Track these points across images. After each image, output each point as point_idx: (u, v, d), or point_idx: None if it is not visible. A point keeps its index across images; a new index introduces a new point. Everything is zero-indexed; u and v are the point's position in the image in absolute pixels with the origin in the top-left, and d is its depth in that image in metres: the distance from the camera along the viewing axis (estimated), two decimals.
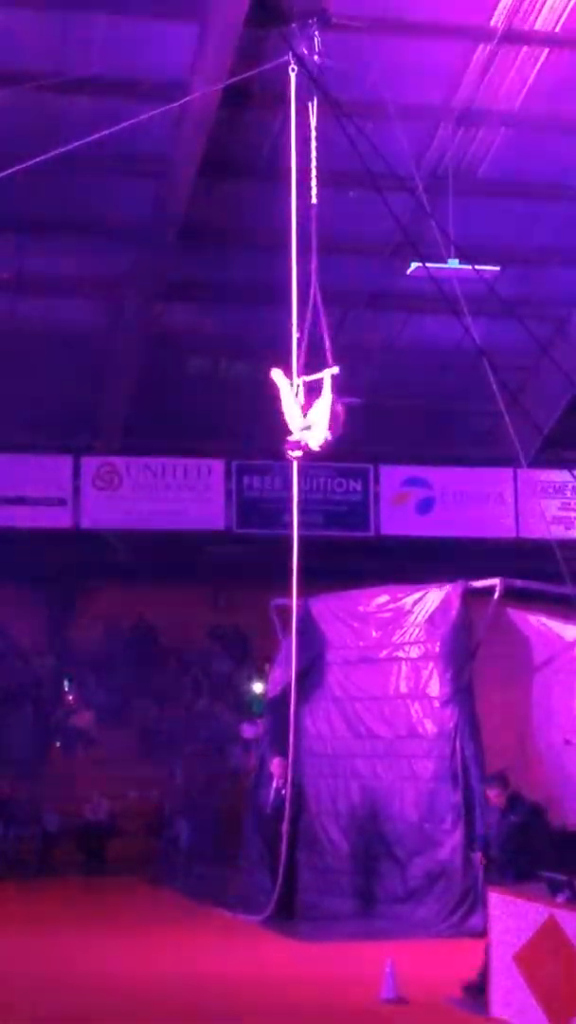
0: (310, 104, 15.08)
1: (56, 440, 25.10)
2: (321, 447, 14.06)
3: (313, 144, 14.90)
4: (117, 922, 17.09)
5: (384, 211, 15.44)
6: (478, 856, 12.70)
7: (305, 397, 14.38)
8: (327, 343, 14.24)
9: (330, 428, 13.97)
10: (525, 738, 17.27)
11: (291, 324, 15.22)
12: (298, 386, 14.44)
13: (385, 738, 17.68)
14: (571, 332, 25.62)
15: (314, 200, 14.96)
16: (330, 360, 14.14)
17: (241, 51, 17.98)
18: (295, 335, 15.05)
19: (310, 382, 14.46)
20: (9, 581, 25.99)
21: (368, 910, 17.09)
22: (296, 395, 14.37)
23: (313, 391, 14.43)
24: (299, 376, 14.44)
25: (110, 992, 12.65)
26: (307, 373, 14.49)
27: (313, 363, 14.70)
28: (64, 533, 25.50)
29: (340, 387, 14.40)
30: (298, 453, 14.22)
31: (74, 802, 23.51)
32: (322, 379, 14.29)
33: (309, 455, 14.29)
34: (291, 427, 14.16)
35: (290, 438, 14.09)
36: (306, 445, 14.04)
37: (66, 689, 27.06)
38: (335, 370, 14.18)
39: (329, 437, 13.98)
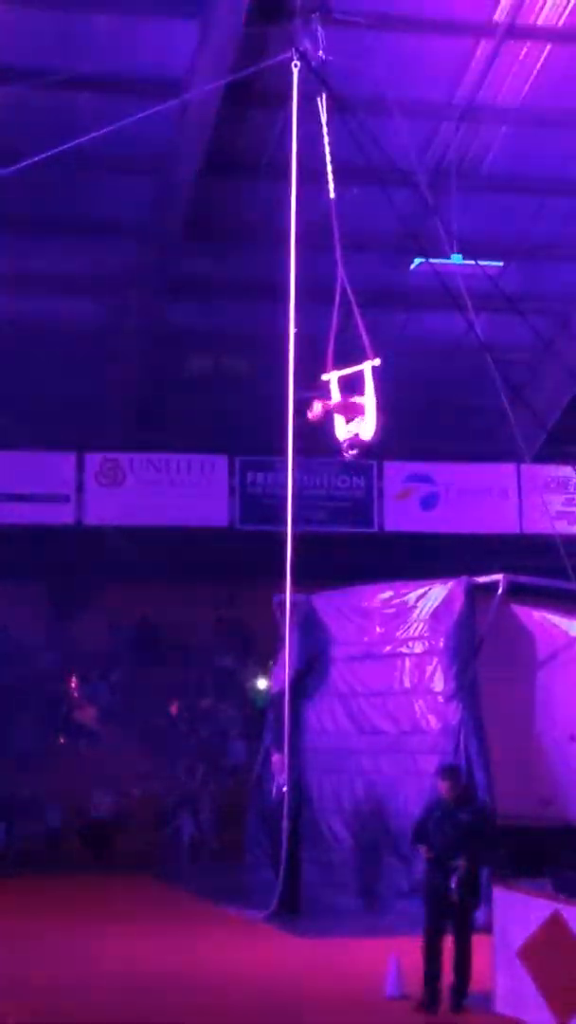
0: (318, 99, 15.06)
1: (60, 437, 25.12)
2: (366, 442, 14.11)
3: (326, 139, 14.88)
4: (121, 918, 17.08)
5: (387, 207, 15.46)
6: (424, 849, 11.72)
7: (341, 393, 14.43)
8: (363, 336, 14.22)
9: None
10: (528, 734, 17.26)
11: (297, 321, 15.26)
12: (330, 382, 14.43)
13: (389, 734, 17.69)
14: (574, 327, 25.61)
15: (332, 195, 14.93)
16: (369, 353, 14.15)
17: (243, 48, 18.01)
18: (292, 330, 15.07)
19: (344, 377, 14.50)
20: (12, 578, 26.02)
21: (372, 906, 17.10)
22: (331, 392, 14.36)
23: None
24: (332, 371, 14.42)
25: (113, 987, 12.66)
26: (334, 368, 14.48)
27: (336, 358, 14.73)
28: (67, 530, 25.52)
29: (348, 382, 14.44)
30: (354, 451, 14.21)
31: (78, 798, 23.55)
32: (352, 374, 14.31)
33: (360, 447, 14.28)
34: (338, 433, 14.15)
35: (343, 438, 14.06)
36: (357, 438, 14.03)
37: (74, 687, 27.02)
38: (376, 361, 14.19)
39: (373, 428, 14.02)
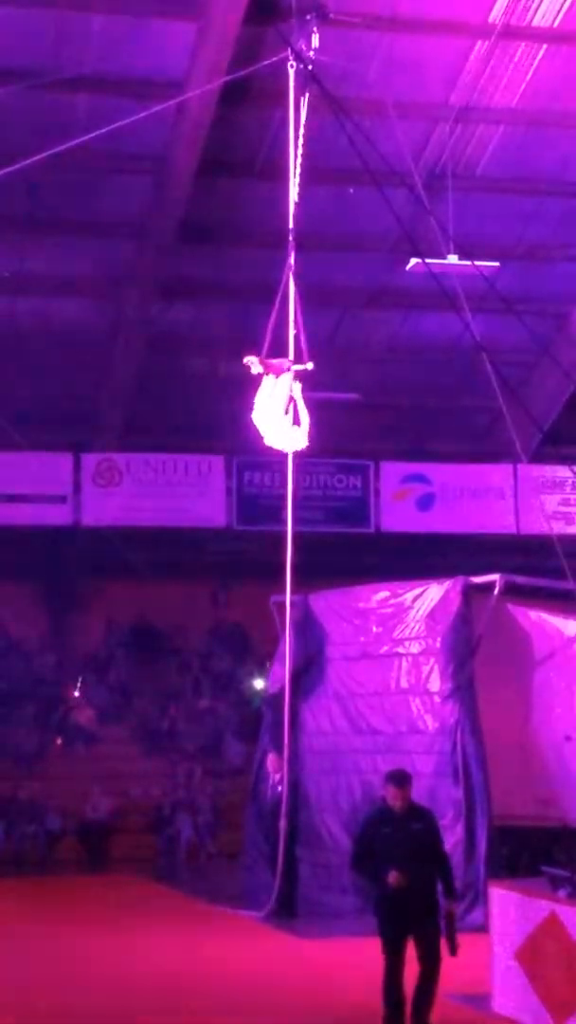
0: (303, 99, 15.09)
1: (56, 437, 25.11)
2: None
3: (300, 138, 14.92)
4: (118, 919, 17.10)
5: (383, 208, 15.46)
6: (394, 875, 10.00)
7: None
8: (302, 340, 14.36)
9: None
10: (525, 734, 17.28)
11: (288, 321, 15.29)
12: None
13: (386, 734, 17.68)
14: (570, 328, 25.62)
15: (295, 197, 14.98)
16: (305, 356, 14.30)
17: (239, 49, 18.00)
18: (291, 332, 15.10)
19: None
20: (10, 579, 26.02)
21: (369, 906, 17.04)
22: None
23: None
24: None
25: (111, 988, 12.67)
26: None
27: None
28: (64, 530, 25.51)
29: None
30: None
31: (75, 800, 23.55)
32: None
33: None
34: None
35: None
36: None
37: (77, 690, 26.99)
38: (309, 365, 14.40)
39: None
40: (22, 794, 23.55)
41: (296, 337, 14.73)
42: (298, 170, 14.90)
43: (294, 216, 15.34)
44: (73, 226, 22.12)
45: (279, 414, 14.32)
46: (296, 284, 15.28)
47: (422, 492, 26.79)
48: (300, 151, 14.91)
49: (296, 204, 15.39)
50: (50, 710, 26.29)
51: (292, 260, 15.22)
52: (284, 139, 15.68)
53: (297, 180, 14.92)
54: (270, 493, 25.58)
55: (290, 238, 15.22)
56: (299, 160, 14.95)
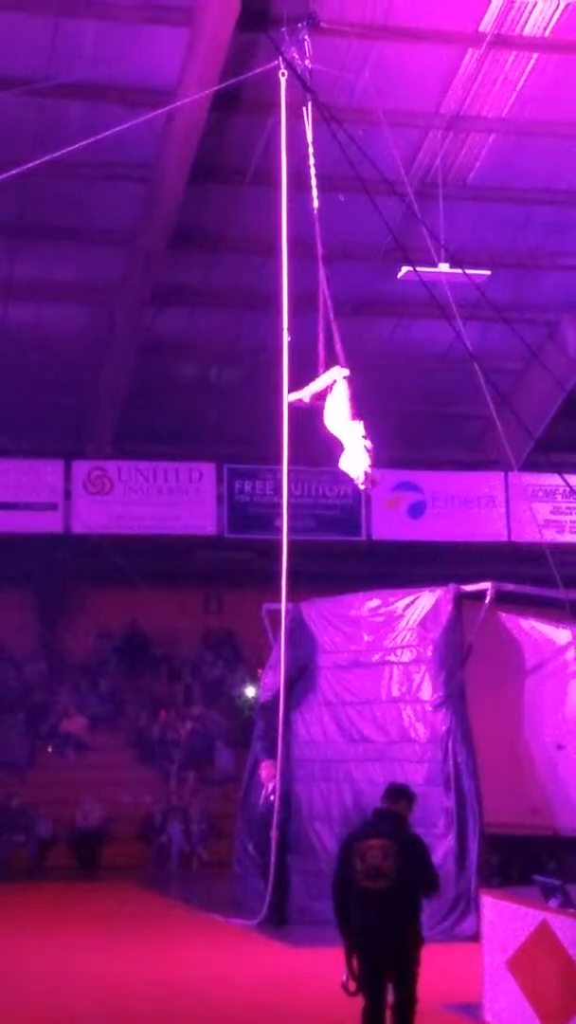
0: (304, 109, 15.07)
1: (47, 444, 25.09)
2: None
3: (311, 150, 14.88)
4: (109, 927, 17.06)
5: (374, 216, 15.47)
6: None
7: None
8: (339, 348, 14.23)
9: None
10: (516, 742, 17.27)
11: (282, 329, 15.23)
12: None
13: (377, 742, 17.66)
14: (561, 336, 25.69)
15: (315, 206, 14.92)
16: (342, 361, 14.18)
17: (231, 57, 18.03)
18: (286, 339, 15.05)
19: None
20: (0, 586, 25.97)
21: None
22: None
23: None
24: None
25: (102, 997, 12.64)
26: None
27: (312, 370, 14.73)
28: (55, 538, 25.48)
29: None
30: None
31: (66, 808, 23.50)
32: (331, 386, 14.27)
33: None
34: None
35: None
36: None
37: (67, 698, 26.95)
38: (345, 371, 14.23)
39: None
40: (13, 802, 23.48)
41: (332, 347, 14.57)
42: (314, 179, 14.81)
43: (289, 225, 15.29)
44: (64, 233, 22.15)
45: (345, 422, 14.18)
46: (290, 292, 15.24)
47: (413, 500, 26.82)
48: (312, 160, 14.80)
49: (288, 213, 15.35)
50: (41, 718, 26.24)
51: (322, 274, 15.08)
52: (276, 147, 15.66)
53: (316, 189, 14.83)
54: (261, 501, 25.61)
55: (319, 250, 15.06)
56: (313, 169, 14.85)
